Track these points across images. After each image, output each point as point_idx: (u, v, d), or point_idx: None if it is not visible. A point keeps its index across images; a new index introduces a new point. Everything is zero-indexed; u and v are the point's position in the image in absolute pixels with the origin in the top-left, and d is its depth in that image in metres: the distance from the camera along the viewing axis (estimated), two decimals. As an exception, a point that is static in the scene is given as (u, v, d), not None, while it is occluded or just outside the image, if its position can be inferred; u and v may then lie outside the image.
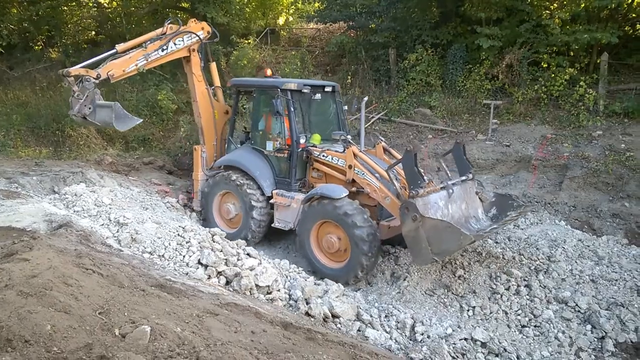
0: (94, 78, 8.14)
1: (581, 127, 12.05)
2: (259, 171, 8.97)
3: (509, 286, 7.31)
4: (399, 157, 8.56)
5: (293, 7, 23.49)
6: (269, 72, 9.57)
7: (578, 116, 12.26)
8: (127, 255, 6.23)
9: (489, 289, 7.35)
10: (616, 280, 7.72)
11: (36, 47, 19.56)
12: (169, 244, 6.82)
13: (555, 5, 14.20)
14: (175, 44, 9.18)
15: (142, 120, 9.22)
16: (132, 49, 8.81)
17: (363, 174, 7.96)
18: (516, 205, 8.25)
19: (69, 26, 20.43)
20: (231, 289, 6.19)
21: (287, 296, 6.51)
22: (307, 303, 6.32)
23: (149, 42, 8.87)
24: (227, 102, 10.91)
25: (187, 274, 6.23)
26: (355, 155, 8.08)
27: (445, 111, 14.03)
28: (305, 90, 8.81)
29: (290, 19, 23.25)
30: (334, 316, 6.33)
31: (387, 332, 6.39)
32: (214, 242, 7.09)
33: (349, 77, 16.57)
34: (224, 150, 10.12)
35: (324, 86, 9.40)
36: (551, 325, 6.67)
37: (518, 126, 12.71)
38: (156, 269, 5.97)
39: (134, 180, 10.87)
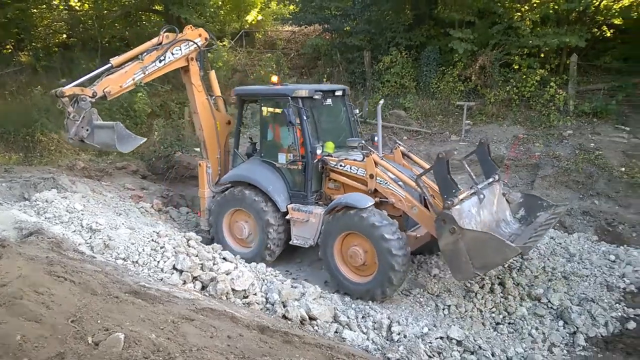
0: (89, 97, 7.60)
1: (552, 127, 12.32)
2: (271, 186, 8.35)
3: (483, 284, 7.42)
4: (420, 161, 8.49)
5: (266, 8, 23.43)
6: (275, 79, 8.82)
7: (549, 116, 12.53)
8: (100, 261, 6.13)
9: (464, 287, 7.45)
10: (587, 276, 7.91)
11: (5, 51, 19.15)
12: (143, 249, 6.73)
13: (526, 7, 14.48)
14: (172, 54, 8.65)
15: (145, 139, 8.58)
16: (127, 62, 8.27)
17: (386, 183, 7.43)
18: (546, 206, 7.89)
19: (39, 29, 20.06)
20: (207, 294, 6.14)
21: (264, 300, 6.49)
22: (284, 306, 6.31)
23: (145, 53, 8.35)
24: (228, 111, 10.26)
25: (162, 279, 6.16)
26: (376, 163, 7.57)
27: (420, 113, 14.19)
28: (316, 97, 8.28)
29: (260, 17, 23.13)
30: (311, 318, 6.33)
31: (364, 333, 6.42)
32: (189, 246, 7.02)
33: (325, 80, 16.61)
34: (228, 163, 9.60)
35: (334, 91, 8.84)
36: (525, 322, 6.80)
37: (490, 127, 12.93)
38: (130, 275, 5.89)
39: (107, 185, 10.70)
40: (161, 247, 6.84)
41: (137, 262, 6.53)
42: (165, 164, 13.04)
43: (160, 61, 8.51)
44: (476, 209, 6.85)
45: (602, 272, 8.06)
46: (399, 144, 8.77)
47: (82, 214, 7.71)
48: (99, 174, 11.67)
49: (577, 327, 6.67)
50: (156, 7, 20.14)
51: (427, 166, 8.21)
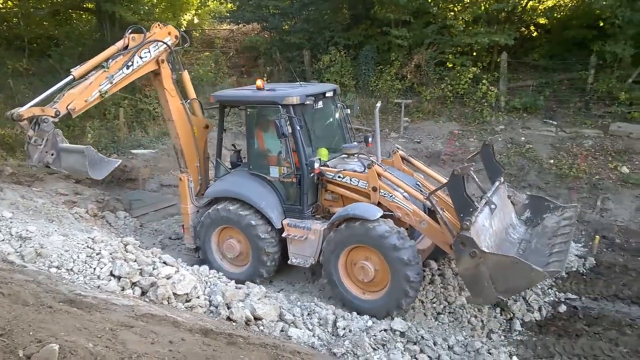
0: (52, 117, 6.68)
1: (485, 122, 12.82)
2: (264, 201, 7.63)
3: (424, 276, 7.61)
4: (422, 166, 8.08)
5: (203, 7, 23.02)
6: (261, 83, 7.81)
7: (482, 112, 13.03)
8: (32, 271, 5.83)
9: (406, 280, 7.60)
10: (521, 264, 8.25)
11: None
12: (78, 256, 6.45)
13: (458, 7, 15.00)
14: (141, 58, 7.65)
15: (120, 161, 7.75)
16: (90, 71, 7.31)
17: (391, 196, 6.93)
18: (553, 207, 7.63)
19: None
20: (147, 300, 5.96)
21: (208, 302, 6.38)
22: (229, 308, 6.23)
23: (110, 60, 7.38)
24: (205, 115, 9.34)
25: (98, 287, 5.93)
26: (379, 175, 7.06)
27: (360, 110, 14.37)
28: (308, 102, 7.51)
29: (196, 20, 22.72)
30: (257, 318, 6.28)
31: (309, 330, 6.43)
32: (126, 252, 6.79)
33: (265, 79, 16.53)
34: (208, 171, 8.89)
35: (324, 92, 7.98)
36: (464, 310, 7.03)
37: (427, 123, 13.30)
38: (64, 283, 5.64)
39: (38, 191, 10.20)
40: (97, 254, 6.58)
41: (71, 269, 6.24)
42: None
43: (127, 67, 7.55)
44: (489, 221, 6.48)
45: (535, 259, 8.46)
46: (398, 148, 8.35)
47: (10, 222, 7.30)
48: (29, 179, 11.09)
49: (513, 313, 6.98)
50: (87, 5, 19.37)
51: (429, 171, 8.08)
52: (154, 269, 6.47)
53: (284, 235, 7.61)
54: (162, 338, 4.23)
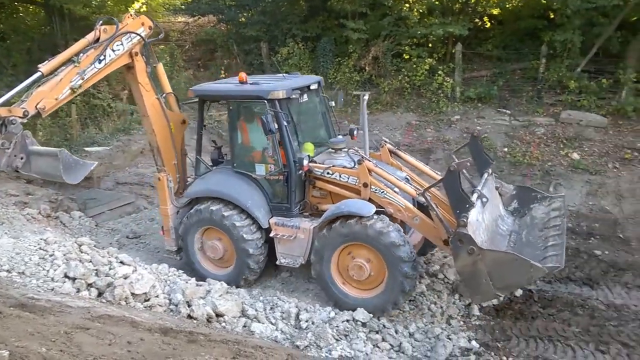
0: (19, 117, 6.23)
1: (441, 113, 13.04)
2: (250, 201, 7.33)
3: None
4: (411, 160, 7.94)
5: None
6: (244, 76, 7.41)
7: (438, 103, 13.25)
8: (-20, 276, 5.63)
9: (367, 270, 7.67)
10: (478, 251, 8.46)
11: None
12: (30, 259, 6.24)
13: (413, -2, 15.21)
14: (113, 51, 7.19)
15: (96, 164, 7.35)
16: (60, 67, 6.82)
17: (383, 192, 6.76)
18: (540, 197, 7.62)
19: None
20: (104, 301, 5.83)
21: (167, 301, 6.27)
22: (189, 305, 6.16)
23: (81, 54, 6.90)
24: (181, 110, 8.76)
25: (52, 289, 5.76)
26: (370, 170, 6.87)
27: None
28: (294, 96, 7.22)
29: (144, 8, 22.04)
30: (218, 315, 6.23)
31: (272, 324, 6.43)
32: (81, 252, 6.60)
33: (222, 72, 16.34)
34: (186, 168, 8.48)
35: (309, 85, 7.67)
36: (424, 297, 7.17)
37: (386, 115, 13.43)
38: (16, 287, 5.46)
39: (-14, 193, 9.79)
40: (50, 255, 6.39)
41: (23, 273, 6.03)
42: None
43: (99, 61, 7.06)
44: (481, 215, 6.38)
45: (491, 245, 8.68)
46: (386, 141, 8.15)
47: (-44, 226, 7.01)
48: (-24, 181, 10.64)
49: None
50: (34, -2, 18.66)
51: (419, 164, 7.99)
52: (110, 269, 6.33)
53: (271, 235, 7.34)
54: (119, 339, 4.15)
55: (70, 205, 10.37)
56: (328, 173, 7.21)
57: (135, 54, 7.55)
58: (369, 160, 7.07)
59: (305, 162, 7.11)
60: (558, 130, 11.77)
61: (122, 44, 7.31)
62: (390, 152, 7.95)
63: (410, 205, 6.71)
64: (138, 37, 7.47)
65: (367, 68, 14.52)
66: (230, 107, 7.52)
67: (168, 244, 8.29)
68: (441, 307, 7.01)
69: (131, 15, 7.66)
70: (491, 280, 5.71)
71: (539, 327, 6.57)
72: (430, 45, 14.82)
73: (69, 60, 6.84)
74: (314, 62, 15.57)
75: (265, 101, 6.86)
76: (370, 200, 6.85)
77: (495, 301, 7.15)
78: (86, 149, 13.00)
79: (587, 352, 6.04)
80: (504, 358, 5.96)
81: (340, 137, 7.90)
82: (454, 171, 5.92)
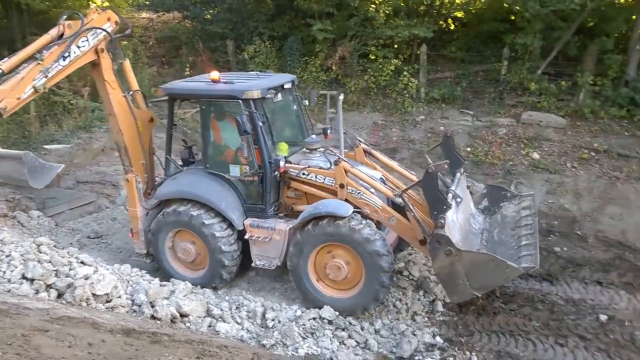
0: None
1: (406, 113, 13.20)
2: (224, 202, 7.16)
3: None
4: (385, 160, 7.92)
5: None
6: (217, 75, 7.15)
7: (403, 103, 13.40)
8: None
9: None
10: (442, 248, 8.60)
11: None
12: (-15, 260, 6.03)
13: (379, 0, 15.30)
14: (79, 47, 6.90)
15: (62, 166, 7.07)
16: (21, 64, 6.50)
17: (359, 193, 6.74)
18: (510, 196, 7.71)
19: None
20: (64, 302, 5.66)
21: (130, 302, 6.14)
22: (153, 306, 6.03)
23: (44, 51, 6.60)
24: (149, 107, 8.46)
25: (9, 291, 5.55)
26: (346, 171, 6.82)
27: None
28: (269, 96, 7.03)
29: (107, 3, 21.54)
30: (183, 315, 6.14)
31: (238, 324, 6.39)
32: (40, 253, 6.39)
33: (188, 69, 16.12)
34: (154, 169, 8.20)
35: (282, 84, 7.47)
36: (389, 295, 7.21)
37: (352, 114, 13.50)
38: (-31, 289, 5.26)
39: (-62, 192, 9.38)
40: (7, 256, 6.14)
41: (-23, 274, 5.82)
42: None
43: (64, 59, 6.77)
44: (456, 215, 6.46)
45: (456, 243, 8.84)
46: (360, 141, 8.11)
47: None
48: None
49: (436, 295, 7.24)
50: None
51: (393, 164, 8.00)
52: (70, 269, 6.15)
53: (246, 236, 7.19)
54: (80, 341, 4.05)
55: (28, 204, 10.01)
56: (304, 174, 7.11)
57: (101, 51, 7.27)
58: (345, 161, 7.04)
59: (282, 163, 7.00)
60: (519, 131, 12.07)
61: (87, 40, 7.02)
62: (365, 152, 7.93)
63: (387, 206, 6.73)
64: (104, 33, 7.19)
65: (333, 68, 14.58)
66: (203, 107, 7.33)
67: (137, 247, 8.02)
68: (406, 304, 7.09)
69: (96, 10, 7.41)
70: (468, 281, 5.80)
71: (500, 322, 6.73)
72: (395, 46, 14.98)
73: (31, 58, 6.54)
74: (280, 61, 15.52)
75: (240, 101, 6.69)
76: (346, 201, 6.82)
77: (459, 298, 7.30)
78: (45, 146, 12.62)
79: (547, 346, 6.22)
80: (467, 353, 6.08)
81: (314, 137, 7.84)
82: (432, 173, 5.99)
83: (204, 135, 7.46)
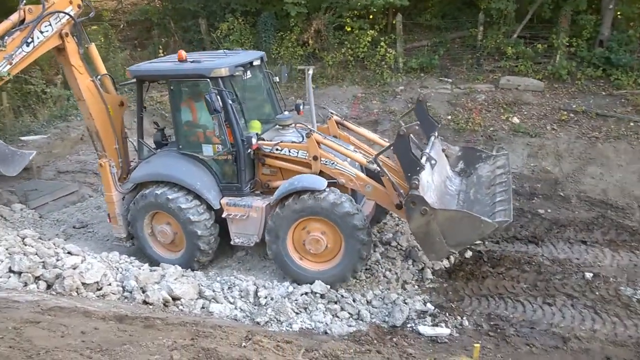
0: None
1: (386, 84, 13.13)
2: (199, 182, 7.17)
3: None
4: (358, 129, 7.92)
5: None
6: (183, 54, 7.06)
7: (382, 74, 13.32)
8: None
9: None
10: (428, 217, 8.69)
11: None
12: (-31, 256, 5.95)
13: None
14: (42, 32, 6.85)
15: (34, 153, 7.10)
16: None
17: (333, 163, 6.79)
18: (485, 157, 7.75)
19: None
20: (54, 293, 5.64)
21: (121, 288, 6.15)
22: (144, 291, 6.06)
23: (6, 37, 6.61)
24: (118, 92, 8.55)
25: (-3, 285, 5.53)
26: (318, 143, 6.87)
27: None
28: (237, 73, 7.01)
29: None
30: (175, 299, 6.17)
31: (231, 303, 6.43)
32: (25, 245, 6.34)
33: (161, 51, 15.78)
34: (128, 153, 8.20)
35: (251, 61, 7.44)
36: (379, 265, 7.33)
37: (332, 89, 13.39)
38: (-44, 286, 5.20)
39: None
40: (-9, 251, 6.10)
41: (-37, 271, 5.75)
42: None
43: (27, 44, 6.77)
44: (431, 177, 6.56)
45: (440, 210, 8.93)
46: (333, 113, 8.14)
47: None
48: None
49: (424, 264, 7.37)
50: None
51: (365, 132, 8.06)
52: (57, 260, 6.13)
53: (223, 215, 7.24)
54: (72, 330, 4.05)
55: (9, 198, 9.86)
56: (277, 149, 7.13)
57: (66, 35, 7.21)
58: (317, 133, 7.07)
59: (254, 140, 6.99)
60: (498, 96, 12.11)
61: (50, 25, 6.99)
62: (338, 123, 7.98)
63: (361, 174, 6.79)
64: (67, 17, 7.13)
65: (310, 42, 14.37)
66: (172, 87, 7.25)
67: (116, 232, 8.02)
68: (396, 274, 7.19)
69: None
70: (444, 239, 5.88)
71: (489, 285, 6.88)
72: (371, 17, 14.80)
73: None
74: (255, 37, 15.25)
75: (208, 80, 6.66)
76: (321, 172, 6.89)
77: (447, 264, 7.42)
78: (22, 138, 12.35)
79: (536, 306, 6.40)
80: (459, 318, 6.22)
81: (286, 113, 7.85)
82: (404, 135, 6.05)
83: (175, 117, 7.42)
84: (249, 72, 7.42)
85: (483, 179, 7.54)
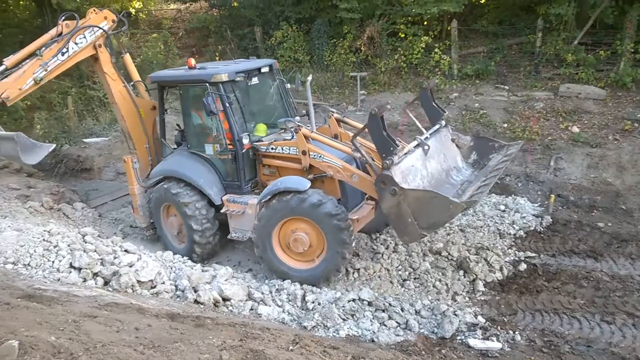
0: None
1: (439, 91, 12.94)
2: (202, 179, 7.77)
3: (388, 245, 7.71)
4: (358, 125, 7.95)
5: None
6: (192, 62, 7.82)
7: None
8: (-14, 269, 5.64)
9: (371, 250, 7.72)
10: (481, 227, 8.53)
11: None
12: (35, 250, 6.26)
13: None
14: (76, 44, 7.87)
15: (54, 146, 8.18)
16: (24, 60, 7.57)
17: (320, 156, 6.99)
18: (498, 147, 7.54)
19: None
20: (111, 289, 5.85)
21: (174, 287, 6.31)
22: (195, 291, 6.18)
23: (43, 48, 7.62)
24: (151, 97, 9.26)
25: (58, 280, 5.78)
26: (307, 138, 7.12)
27: (316, 86, 14.31)
28: (238, 79, 7.58)
29: (139, 4, 21.86)
30: (225, 299, 6.27)
31: (279, 307, 6.47)
32: (85, 242, 6.63)
33: (217, 58, 16.20)
34: (160, 151, 8.85)
35: (259, 68, 7.99)
36: (429, 275, 7.19)
37: (384, 95, 13.33)
38: (22, 279, 5.48)
39: (-13, 187, 9.77)
40: (55, 246, 6.40)
41: (29, 264, 6.06)
42: (52, 159, 12.14)
43: (62, 54, 7.75)
44: (421, 162, 6.46)
45: (494, 221, 8.73)
46: (333, 112, 8.37)
47: (-41, 221, 7.01)
48: (-24, 176, 10.63)
49: (476, 275, 7.17)
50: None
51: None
52: (115, 257, 6.36)
53: (222, 210, 7.74)
54: (127, 325, 4.17)
55: (72, 197, 10.36)
56: (272, 148, 7.53)
57: (99, 46, 8.18)
58: (306, 128, 7.30)
59: (246, 141, 7.48)
60: (557, 104, 11.70)
61: (85, 37, 7.98)
62: (338, 121, 8.18)
63: (347, 165, 6.87)
64: (101, 31, 8.11)
65: (362, 49, 14.39)
66: (181, 92, 8.08)
67: (138, 221, 8.94)
68: (446, 284, 7.04)
69: (94, 10, 8.31)
70: (416, 220, 5.77)
71: (544, 300, 6.62)
72: (425, 23, 14.67)
73: (33, 54, 7.55)
74: (308, 44, 15.42)
75: (207, 84, 7.21)
76: (310, 166, 7.15)
77: (499, 276, 7.20)
78: (85, 140, 12.98)
79: (594, 324, 6.09)
80: (510, 332, 5.99)
81: (298, 118, 8.01)
82: (375, 115, 6.03)
83: (184, 118, 8.22)
84: (255, 79, 7.94)
85: (489, 168, 7.29)
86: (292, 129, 7.24)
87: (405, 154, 6.28)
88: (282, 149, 7.45)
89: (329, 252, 6.87)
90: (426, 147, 6.57)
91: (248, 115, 8.00)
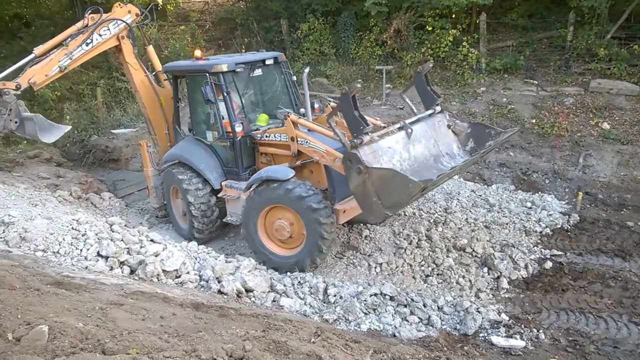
0: (13, 90, 7.76)
1: (466, 85, 12.78)
2: (203, 164, 8.23)
3: (411, 240, 7.67)
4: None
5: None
6: (198, 53, 8.29)
7: (463, 75, 12.98)
8: (17, 255, 5.79)
9: (394, 245, 7.68)
10: (506, 223, 8.41)
11: None
12: (64, 238, 6.41)
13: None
14: (100, 35, 8.49)
15: (70, 127, 8.90)
16: (51, 49, 8.20)
17: (307, 142, 7.11)
18: (494, 134, 7.44)
19: None
20: (137, 278, 5.97)
21: (198, 277, 6.40)
22: (219, 281, 6.26)
23: (69, 39, 8.25)
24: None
25: (86, 267, 5.91)
26: (295, 124, 7.26)
27: (341, 79, 14.27)
28: (239, 70, 7.88)
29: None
30: (248, 290, 6.34)
31: (301, 299, 6.51)
32: (112, 231, 6.76)
33: (243, 50, 16.27)
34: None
35: (263, 60, 8.30)
36: (452, 271, 7.11)
37: (410, 89, 13.17)
38: (51, 266, 5.62)
39: (19, 176, 10.03)
40: (83, 235, 6.55)
41: (58, 252, 6.21)
42: (81, 149, 12.41)
43: (87, 44, 8.34)
44: (402, 145, 6.45)
45: (520, 218, 8.60)
46: (330, 101, 8.57)
47: (-8, 209, 7.20)
48: (9, 165, 10.92)
49: (500, 272, 7.08)
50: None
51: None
52: (141, 247, 6.47)
53: (219, 195, 8.16)
54: (152, 314, 4.24)
55: (99, 186, 10.58)
56: (266, 136, 7.77)
57: (122, 38, 8.76)
58: (294, 114, 7.46)
59: (238, 129, 7.77)
60: (587, 100, 11.43)
61: (108, 29, 8.58)
62: None
63: (331, 149, 6.86)
64: (124, 24, 8.69)
65: (389, 42, 14.27)
66: (187, 81, 8.60)
67: (152, 202, 9.65)
68: (470, 281, 6.97)
69: (119, 4, 8.80)
70: (380, 199, 5.81)
71: (569, 299, 6.51)
72: (453, 15, 14.44)
73: (60, 44, 8.18)
74: (334, 37, 15.36)
75: (208, 74, 7.62)
76: (299, 152, 7.29)
77: (524, 274, 7.11)
78: (113, 131, 13.20)
79: (621, 324, 5.97)
80: (535, 330, 5.92)
81: (302, 110, 8.11)
82: (346, 94, 6.09)
83: (191, 106, 8.71)
84: (259, 70, 8.24)
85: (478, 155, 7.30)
86: (282, 116, 7.50)
87: (383, 135, 6.37)
88: (274, 136, 7.67)
89: (307, 243, 7.03)
90: (409, 131, 6.60)
91: (249, 105, 8.44)
